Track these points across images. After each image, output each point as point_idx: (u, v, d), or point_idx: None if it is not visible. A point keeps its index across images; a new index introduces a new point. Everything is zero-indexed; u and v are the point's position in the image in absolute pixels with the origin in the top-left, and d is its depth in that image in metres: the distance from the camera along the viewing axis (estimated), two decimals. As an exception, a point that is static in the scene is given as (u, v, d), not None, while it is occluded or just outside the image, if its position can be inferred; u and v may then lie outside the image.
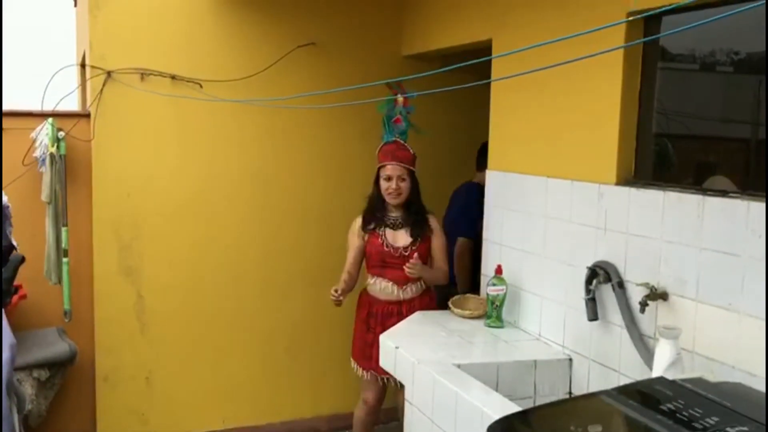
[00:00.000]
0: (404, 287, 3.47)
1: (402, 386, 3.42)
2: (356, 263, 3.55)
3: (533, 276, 3.00)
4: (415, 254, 3.37)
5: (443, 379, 2.45)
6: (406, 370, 2.74)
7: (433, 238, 3.52)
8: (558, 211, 2.83)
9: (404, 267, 3.33)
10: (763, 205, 1.98)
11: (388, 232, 3.47)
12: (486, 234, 3.38)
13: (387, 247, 3.43)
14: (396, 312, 3.45)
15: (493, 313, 3.08)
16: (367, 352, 3.49)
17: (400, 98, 3.52)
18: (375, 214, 3.50)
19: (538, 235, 2.96)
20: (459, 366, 2.58)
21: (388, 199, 3.46)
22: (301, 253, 4.17)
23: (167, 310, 3.98)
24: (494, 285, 3.07)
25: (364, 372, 3.53)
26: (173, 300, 3.99)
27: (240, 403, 4.20)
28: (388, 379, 3.46)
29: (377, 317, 3.48)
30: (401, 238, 3.46)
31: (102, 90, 3.72)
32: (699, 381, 1.82)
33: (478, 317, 3.22)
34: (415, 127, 3.56)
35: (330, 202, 4.05)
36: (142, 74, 3.77)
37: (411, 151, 3.48)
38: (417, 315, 3.34)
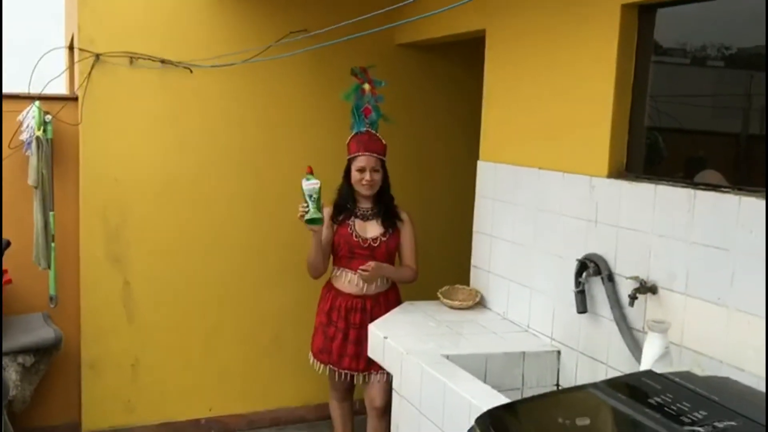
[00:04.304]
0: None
1: (366, 381, 3.43)
2: (325, 253, 3.47)
3: (523, 268, 3.01)
4: (370, 262, 3.32)
5: (431, 370, 2.46)
6: (395, 360, 2.74)
7: (403, 231, 3.48)
8: (549, 203, 2.83)
9: (358, 270, 3.31)
10: (754, 200, 1.99)
11: (358, 223, 3.43)
12: (476, 225, 3.37)
13: (356, 237, 3.38)
14: (360, 307, 3.41)
15: (313, 206, 3.22)
16: (327, 347, 3.46)
17: (366, 87, 3.47)
18: (346, 205, 3.45)
19: (528, 227, 2.96)
20: (447, 357, 2.58)
21: (361, 190, 3.41)
22: (290, 242, 4.16)
23: (154, 298, 3.97)
24: (308, 180, 3.23)
25: (323, 366, 3.49)
26: (160, 287, 3.97)
27: (227, 391, 4.19)
28: (348, 374, 3.44)
29: (340, 311, 3.44)
30: (371, 229, 3.43)
31: (90, 73, 3.69)
32: (687, 375, 1.83)
33: (468, 308, 3.23)
34: (384, 116, 3.52)
35: (323, 191, 4.02)
36: (131, 58, 3.74)
37: (383, 141, 3.44)
38: (405, 305, 3.34)
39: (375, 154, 3.39)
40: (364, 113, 3.45)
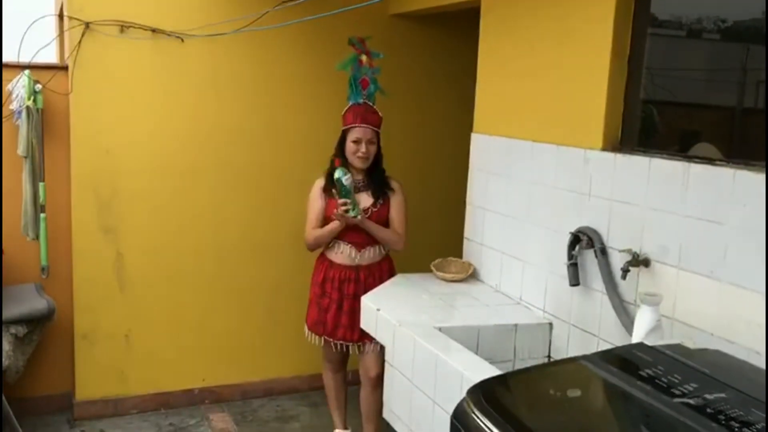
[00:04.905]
0: (362, 251, 3.43)
1: (361, 351, 3.45)
2: (319, 226, 3.46)
3: (516, 241, 3.01)
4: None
5: (424, 342, 2.47)
6: (387, 332, 2.75)
7: (393, 199, 3.46)
8: (543, 176, 2.83)
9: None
10: (749, 173, 1.98)
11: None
12: (469, 198, 3.37)
13: (336, 212, 3.33)
14: (353, 278, 3.42)
15: (353, 203, 3.28)
16: (322, 318, 3.47)
17: (364, 58, 3.43)
18: None
19: (522, 200, 2.96)
20: (440, 329, 2.59)
21: (355, 162, 3.37)
22: (284, 213, 4.15)
23: (147, 269, 3.96)
24: (346, 174, 3.28)
25: (318, 338, 3.51)
26: (153, 258, 3.96)
27: (220, 361, 4.21)
28: (342, 345, 3.45)
29: (333, 282, 3.44)
30: (363, 200, 3.40)
31: (80, 42, 3.63)
32: (678, 347, 1.84)
33: (461, 280, 3.23)
34: (382, 90, 3.48)
35: (314, 162, 4.00)
36: (121, 26, 3.68)
37: (379, 114, 3.41)
38: (398, 278, 3.35)
39: (371, 126, 3.37)
40: (362, 85, 3.42)
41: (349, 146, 3.39)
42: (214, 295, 4.13)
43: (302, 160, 4.14)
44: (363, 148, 3.35)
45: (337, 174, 3.28)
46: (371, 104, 3.42)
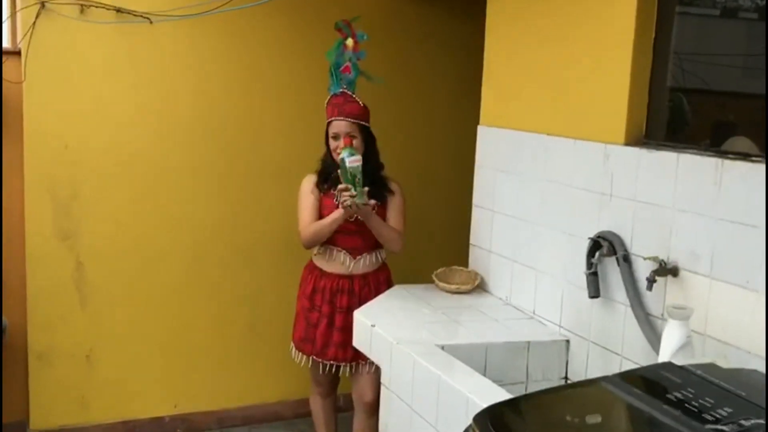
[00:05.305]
0: (358, 258, 3.43)
1: (354, 372, 3.44)
2: (315, 219, 3.41)
3: (528, 247, 3.01)
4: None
5: (424, 362, 2.46)
6: (383, 351, 2.75)
7: (391, 202, 3.46)
8: (558, 174, 2.83)
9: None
10: (790, 170, 1.99)
11: None
12: (476, 199, 3.37)
13: (337, 198, 3.30)
14: (347, 288, 3.42)
15: (358, 190, 3.16)
16: (310, 335, 3.46)
17: (350, 42, 3.42)
18: (330, 173, 3.41)
19: (534, 201, 2.96)
20: (443, 347, 2.59)
21: (337, 159, 3.35)
22: (267, 214, 4.15)
23: (111, 280, 3.95)
24: (352, 155, 3.17)
25: (305, 358, 3.50)
26: (118, 268, 3.96)
27: (194, 385, 4.20)
28: (333, 366, 3.45)
29: (324, 294, 3.43)
30: None
31: (34, 24, 3.63)
32: (711, 367, 1.84)
33: (466, 292, 3.23)
34: (365, 74, 3.48)
35: (300, 158, 4.00)
36: (81, 6, 3.68)
37: (361, 103, 3.38)
38: (396, 289, 3.35)
39: (351, 119, 3.35)
40: (343, 71, 3.41)
41: (330, 143, 3.40)
42: (188, 309, 4.13)
43: (287, 155, 4.14)
44: (341, 143, 3.34)
45: (342, 154, 3.21)
46: (351, 93, 3.40)
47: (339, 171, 3.24)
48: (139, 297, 4.02)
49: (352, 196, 3.16)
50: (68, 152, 3.78)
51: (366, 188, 3.20)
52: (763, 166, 2.05)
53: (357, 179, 3.17)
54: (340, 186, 3.22)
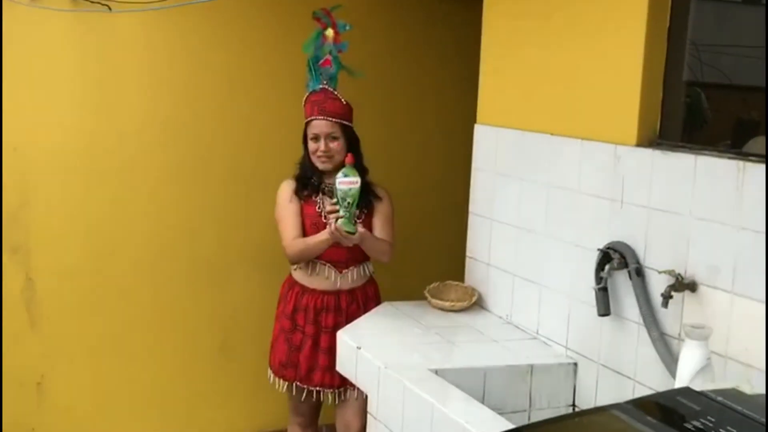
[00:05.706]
0: (344, 272, 3.43)
1: (342, 399, 3.45)
2: (300, 233, 3.39)
3: (531, 259, 3.03)
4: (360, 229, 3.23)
5: (416, 388, 2.47)
6: (370, 376, 2.76)
7: (378, 209, 3.46)
8: (563, 178, 2.85)
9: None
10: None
11: (327, 201, 3.39)
12: (473, 206, 3.39)
13: (325, 218, 3.31)
14: (333, 306, 3.42)
15: (346, 213, 3.10)
16: (293, 359, 3.45)
17: (329, 33, 3.43)
18: (310, 179, 3.43)
19: (537, 208, 2.98)
20: (436, 372, 2.60)
21: (317, 163, 3.37)
22: (242, 224, 4.15)
23: (64, 298, 3.94)
24: (346, 176, 3.10)
25: (287, 384, 3.49)
26: (73, 284, 3.95)
27: (158, 416, 4.20)
28: (318, 392, 3.45)
29: (307, 312, 3.43)
30: None
31: (-23, 11, 3.64)
32: (733, 393, 1.85)
33: (462, 310, 3.25)
34: (347, 68, 3.49)
35: (278, 160, 4.01)
36: (32, -8, 3.69)
37: (343, 100, 3.40)
38: (384, 306, 3.35)
39: (332, 118, 3.36)
40: (323, 65, 3.42)
41: (310, 145, 3.40)
42: (151, 331, 4.12)
43: (263, 158, 4.15)
44: (322, 145, 3.35)
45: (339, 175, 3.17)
46: (332, 90, 3.42)
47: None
48: (97, 318, 4.01)
49: (336, 219, 3.13)
50: (17, 155, 3.77)
51: (357, 211, 3.19)
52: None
53: (347, 203, 3.12)
54: (327, 207, 3.24)
